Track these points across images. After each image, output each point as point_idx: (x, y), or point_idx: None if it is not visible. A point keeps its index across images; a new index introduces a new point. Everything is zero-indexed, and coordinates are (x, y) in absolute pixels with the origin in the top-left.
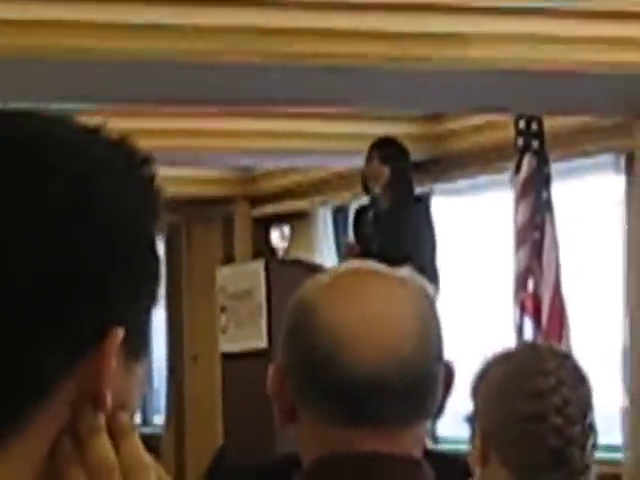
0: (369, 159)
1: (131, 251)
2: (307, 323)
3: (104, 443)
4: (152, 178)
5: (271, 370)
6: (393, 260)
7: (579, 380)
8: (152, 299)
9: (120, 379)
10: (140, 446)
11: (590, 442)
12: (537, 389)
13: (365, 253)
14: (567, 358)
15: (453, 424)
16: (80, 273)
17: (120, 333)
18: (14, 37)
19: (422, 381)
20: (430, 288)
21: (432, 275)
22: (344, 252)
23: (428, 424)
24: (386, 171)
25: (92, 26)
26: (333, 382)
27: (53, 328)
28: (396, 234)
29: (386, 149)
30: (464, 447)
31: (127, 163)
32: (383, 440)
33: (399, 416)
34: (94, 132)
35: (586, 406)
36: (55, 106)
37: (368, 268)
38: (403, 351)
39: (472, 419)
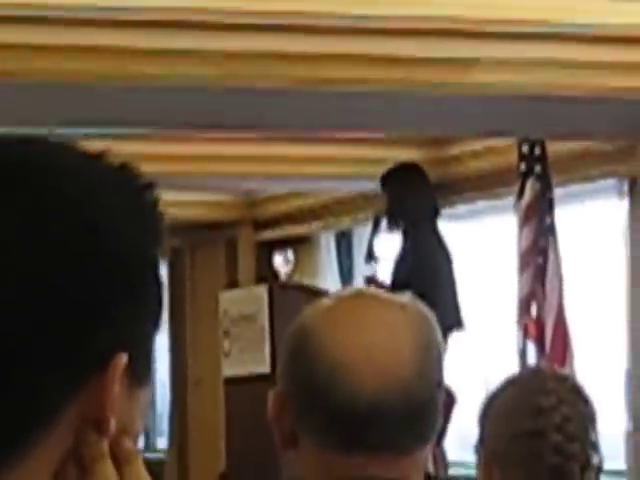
0: (385, 187)
1: (134, 276)
2: (306, 349)
3: (108, 469)
4: (155, 203)
5: (271, 396)
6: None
7: (579, 398)
8: (155, 324)
9: (123, 404)
10: (144, 472)
11: (593, 460)
12: (538, 407)
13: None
14: (569, 379)
15: (461, 449)
16: (83, 299)
17: (123, 359)
18: (20, 60)
19: (422, 407)
20: (430, 313)
21: (453, 307)
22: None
23: (428, 450)
24: (384, 198)
25: (93, 50)
26: (333, 408)
27: (56, 355)
28: (412, 265)
29: (386, 176)
30: (472, 472)
31: (130, 189)
32: (383, 466)
33: (399, 442)
34: (97, 158)
35: (587, 424)
36: (57, 130)
37: (367, 293)
38: (403, 377)
39: (478, 446)
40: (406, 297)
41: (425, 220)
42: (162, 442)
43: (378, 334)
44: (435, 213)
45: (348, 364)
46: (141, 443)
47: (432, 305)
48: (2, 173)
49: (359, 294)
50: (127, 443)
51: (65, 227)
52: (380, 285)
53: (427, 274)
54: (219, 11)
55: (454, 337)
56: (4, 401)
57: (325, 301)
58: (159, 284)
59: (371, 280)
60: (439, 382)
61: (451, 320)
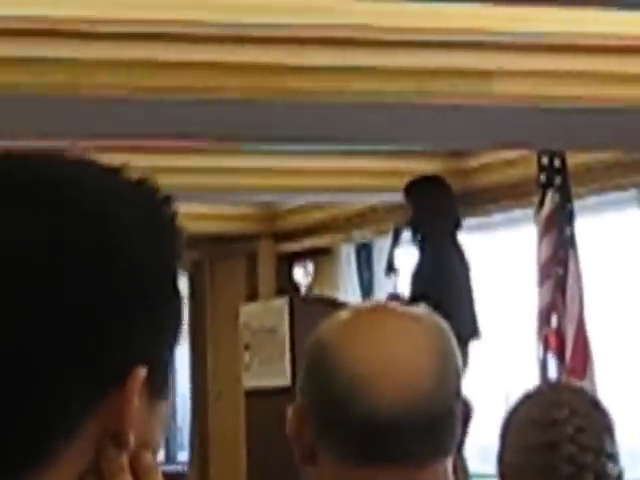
0: (408, 198)
1: (153, 290)
2: (325, 362)
3: None
4: (173, 217)
5: (290, 411)
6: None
7: (594, 410)
8: (174, 338)
9: (143, 418)
10: None
11: (609, 471)
12: (551, 419)
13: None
14: (584, 391)
15: (482, 461)
16: (102, 313)
17: (143, 372)
18: (26, 74)
19: (441, 418)
20: (446, 325)
21: (470, 318)
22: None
23: (449, 462)
24: (408, 211)
25: (108, 64)
26: (352, 421)
27: (76, 369)
28: (429, 277)
29: (409, 188)
30: None
31: (148, 203)
32: (404, 478)
33: (419, 454)
34: (115, 173)
35: (602, 434)
36: (77, 142)
37: (383, 306)
38: (422, 389)
39: (499, 457)
40: (421, 309)
41: (446, 231)
42: (183, 455)
43: (395, 346)
44: (456, 225)
45: (366, 377)
46: (162, 456)
47: (449, 315)
48: (21, 188)
49: (375, 307)
50: (147, 457)
51: (83, 242)
52: (403, 301)
53: (445, 284)
54: (236, 25)
55: (475, 349)
56: (25, 415)
57: (342, 315)
58: (179, 297)
59: (394, 297)
60: (457, 393)
61: (469, 330)
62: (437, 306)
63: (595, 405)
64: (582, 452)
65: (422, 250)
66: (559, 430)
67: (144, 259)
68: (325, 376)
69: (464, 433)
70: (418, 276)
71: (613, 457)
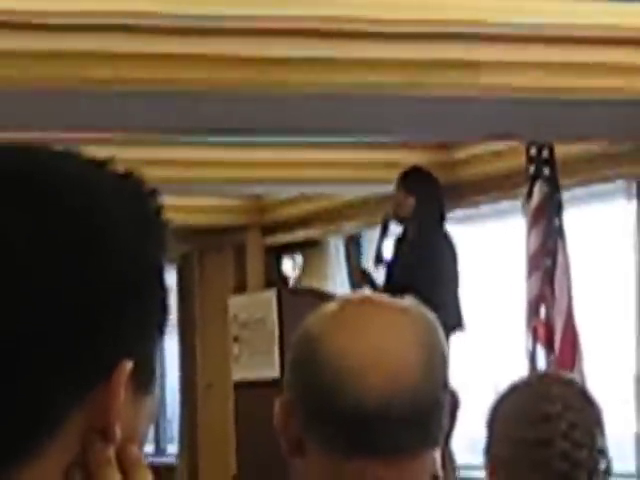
0: (395, 189)
1: (138, 284)
2: (312, 355)
3: (114, 476)
4: (159, 211)
5: (277, 404)
6: (410, 291)
7: (586, 404)
8: (160, 331)
9: (129, 411)
10: (150, 478)
11: (600, 466)
12: (543, 414)
13: (374, 283)
14: (574, 384)
15: (470, 452)
16: (88, 306)
17: (128, 365)
18: (24, 68)
19: (429, 409)
20: (433, 316)
21: (454, 308)
22: (356, 280)
23: (437, 452)
24: (411, 201)
25: (102, 56)
26: (340, 412)
27: (62, 362)
28: (418, 266)
29: (411, 179)
30: (481, 474)
31: (133, 196)
32: (392, 469)
33: (407, 445)
34: (100, 166)
35: (594, 430)
36: (64, 135)
37: (370, 298)
38: (409, 380)
39: (487, 448)
40: (408, 300)
41: (436, 221)
42: (172, 447)
43: (383, 338)
44: (442, 216)
45: (354, 369)
46: (151, 448)
47: (433, 305)
48: (5, 181)
49: (362, 299)
50: (133, 450)
51: (68, 235)
52: (373, 283)
53: (429, 274)
54: (232, 17)
55: (464, 340)
56: (10, 409)
57: (328, 307)
58: (164, 291)
59: (365, 274)
60: (444, 384)
61: (452, 321)
62: (420, 295)
63: (586, 398)
64: (576, 448)
65: (412, 239)
66: (553, 426)
67: (130, 252)
68: (312, 368)
69: (452, 424)
70: (406, 265)
71: (603, 452)
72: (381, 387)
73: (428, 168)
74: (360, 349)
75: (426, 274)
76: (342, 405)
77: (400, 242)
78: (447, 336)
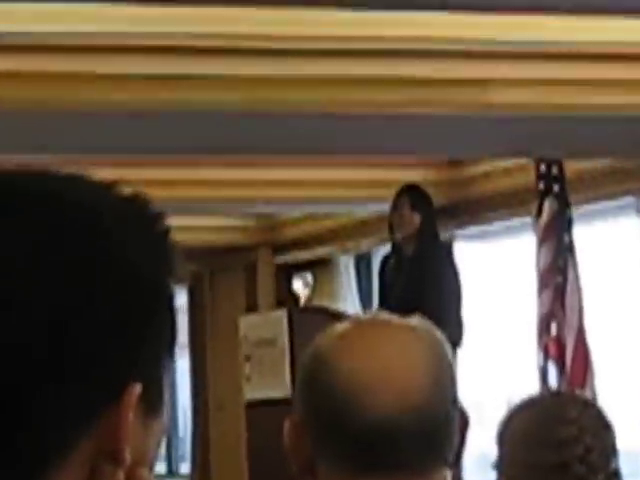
0: (398, 206)
1: (146, 306)
2: (322, 374)
3: None
4: (166, 233)
5: (287, 425)
6: (415, 308)
7: (602, 427)
8: (169, 353)
9: (138, 434)
10: None
11: None
12: (560, 438)
13: (386, 301)
14: (590, 405)
15: (479, 469)
16: (96, 330)
17: (137, 389)
18: (14, 89)
19: (439, 426)
20: (440, 333)
21: (457, 324)
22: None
23: (447, 471)
24: (417, 218)
25: (100, 78)
26: (350, 432)
27: (71, 386)
28: (421, 282)
29: (415, 196)
30: None
31: (140, 219)
32: None
33: (418, 462)
34: (107, 189)
35: (610, 453)
36: (74, 156)
37: (378, 318)
38: (419, 397)
39: (498, 465)
40: (415, 319)
41: (433, 238)
42: (184, 467)
43: (391, 356)
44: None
45: (363, 387)
46: (164, 468)
47: (440, 321)
48: (17, 205)
49: (369, 318)
50: (143, 473)
51: (76, 258)
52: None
53: (434, 290)
54: (236, 36)
55: (477, 356)
56: (20, 436)
57: (336, 327)
58: (173, 313)
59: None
60: (454, 400)
61: (455, 337)
62: (429, 312)
63: (602, 420)
64: (591, 473)
65: (413, 257)
66: (569, 450)
67: (137, 275)
68: (322, 388)
69: (462, 443)
70: (410, 282)
71: (617, 475)
72: (390, 405)
73: (437, 186)
74: (369, 368)
75: (432, 290)
76: (352, 424)
77: (396, 260)
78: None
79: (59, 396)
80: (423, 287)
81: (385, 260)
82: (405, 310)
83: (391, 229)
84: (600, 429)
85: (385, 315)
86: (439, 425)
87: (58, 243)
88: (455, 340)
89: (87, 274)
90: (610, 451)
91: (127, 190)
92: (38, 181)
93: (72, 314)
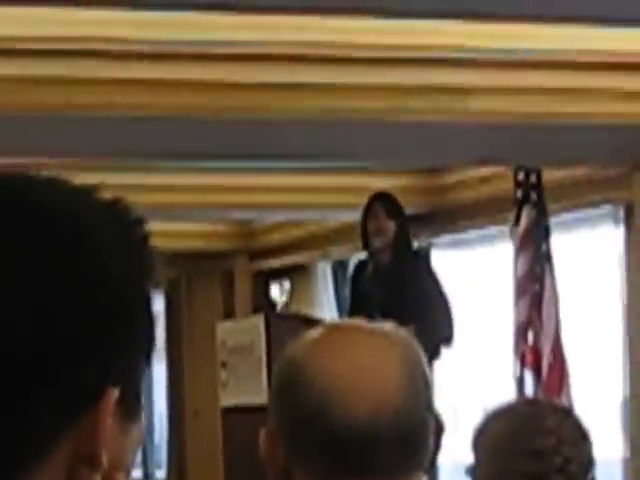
0: (373, 214)
1: (124, 311)
2: (296, 381)
3: None
4: (145, 238)
5: (262, 435)
6: (398, 316)
7: (580, 437)
8: (147, 358)
9: (115, 439)
10: None
11: None
12: (538, 449)
13: (363, 309)
14: (568, 415)
15: (454, 474)
16: (75, 335)
17: (115, 393)
18: (15, 94)
19: (414, 430)
20: (413, 338)
21: (447, 325)
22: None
23: (422, 475)
24: (392, 225)
25: (90, 82)
26: (326, 436)
27: (48, 390)
28: (402, 290)
29: (389, 203)
30: None
31: (120, 224)
32: None
33: (394, 466)
34: (87, 194)
35: (588, 463)
36: (56, 160)
37: (350, 323)
38: (394, 401)
39: (472, 471)
40: (388, 325)
41: (408, 245)
42: (160, 473)
43: (365, 361)
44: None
45: (338, 392)
46: (140, 473)
47: (425, 325)
48: None
49: (342, 325)
50: (119, 477)
51: (54, 263)
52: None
53: (416, 295)
54: (216, 43)
55: (454, 363)
56: None
57: (310, 334)
58: (151, 318)
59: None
60: (429, 405)
61: (446, 333)
62: (413, 316)
63: (579, 429)
64: None
65: (390, 264)
66: (548, 461)
67: (116, 280)
68: (297, 394)
69: (437, 448)
70: (389, 289)
71: None
72: (366, 409)
73: (414, 193)
74: (343, 371)
75: (415, 298)
76: (327, 427)
77: (372, 269)
78: (440, 349)
79: (40, 398)
80: (404, 297)
81: (360, 266)
82: (393, 317)
83: (364, 237)
84: (578, 439)
85: (357, 321)
86: (414, 430)
87: (37, 247)
88: (447, 336)
89: (65, 278)
90: (588, 461)
91: (107, 195)
92: (18, 184)
93: (53, 317)
